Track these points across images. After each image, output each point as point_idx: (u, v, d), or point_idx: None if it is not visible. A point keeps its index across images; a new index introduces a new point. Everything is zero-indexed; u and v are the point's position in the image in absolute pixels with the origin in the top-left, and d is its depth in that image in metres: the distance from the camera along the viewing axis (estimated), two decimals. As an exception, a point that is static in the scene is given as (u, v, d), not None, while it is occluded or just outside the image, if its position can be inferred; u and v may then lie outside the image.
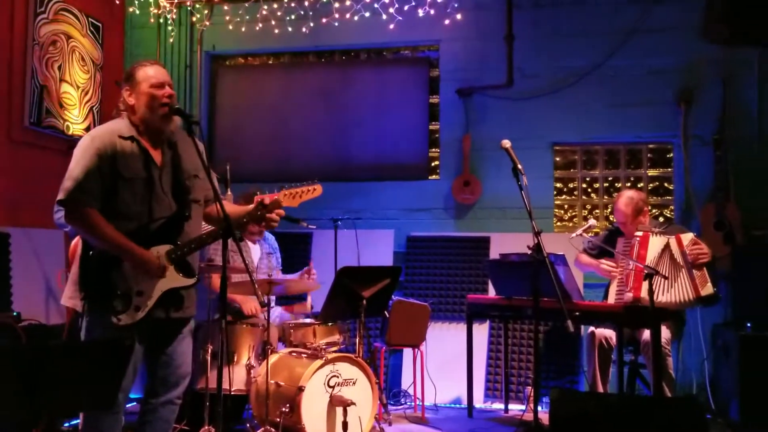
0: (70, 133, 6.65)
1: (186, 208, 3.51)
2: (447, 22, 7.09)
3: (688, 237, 5.20)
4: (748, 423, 5.25)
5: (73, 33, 6.81)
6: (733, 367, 5.44)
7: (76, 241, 4.53)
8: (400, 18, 7.09)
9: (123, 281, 3.32)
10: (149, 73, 3.48)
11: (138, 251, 3.33)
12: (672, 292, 5.11)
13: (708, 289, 5.08)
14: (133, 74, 3.49)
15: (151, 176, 3.43)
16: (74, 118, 6.75)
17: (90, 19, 7.05)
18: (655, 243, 5.20)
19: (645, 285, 4.90)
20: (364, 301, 5.03)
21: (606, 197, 7.12)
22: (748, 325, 5.42)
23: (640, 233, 5.27)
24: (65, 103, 6.66)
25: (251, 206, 3.65)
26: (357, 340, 5.09)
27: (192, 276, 3.53)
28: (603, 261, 5.45)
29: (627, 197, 5.48)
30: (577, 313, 4.98)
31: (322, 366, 4.60)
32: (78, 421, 4.66)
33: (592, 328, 5.38)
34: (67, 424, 4.97)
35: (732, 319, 6.09)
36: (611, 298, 5.36)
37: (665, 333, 5.13)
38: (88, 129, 6.82)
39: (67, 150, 6.55)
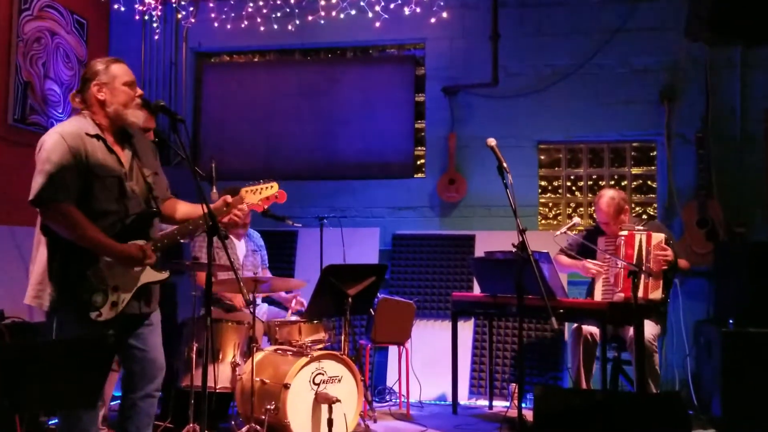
0: (55, 130, 6.61)
1: (154, 204, 3.55)
2: (433, 20, 7.10)
3: (658, 237, 5.22)
4: (730, 419, 5.28)
5: (57, 30, 6.78)
6: (715, 363, 5.48)
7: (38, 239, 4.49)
8: (386, 16, 7.10)
9: (100, 277, 3.33)
10: (122, 71, 3.53)
11: (119, 246, 3.34)
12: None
13: (656, 294, 5.12)
14: (106, 70, 3.50)
15: (120, 174, 3.45)
16: (59, 115, 6.72)
17: (75, 15, 7.02)
18: (638, 241, 5.23)
19: (637, 283, 4.93)
20: (350, 299, 5.03)
21: (590, 195, 7.15)
22: (730, 321, 5.45)
23: (625, 232, 5.29)
24: (50, 99, 6.64)
25: (217, 204, 3.75)
26: (342, 337, 5.10)
27: (164, 270, 3.56)
28: (588, 261, 5.47)
29: (608, 197, 5.52)
30: (562, 311, 5.00)
31: (307, 363, 4.61)
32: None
33: (577, 323, 5.41)
34: (51, 422, 4.95)
35: (714, 315, 6.14)
36: (597, 297, 5.39)
37: (653, 329, 5.17)
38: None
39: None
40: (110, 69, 3.50)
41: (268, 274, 5.88)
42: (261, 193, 3.87)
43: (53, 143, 3.34)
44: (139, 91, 3.55)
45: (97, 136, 3.42)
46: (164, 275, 3.57)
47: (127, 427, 3.57)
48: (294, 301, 5.64)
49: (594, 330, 5.33)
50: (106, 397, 4.77)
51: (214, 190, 5.39)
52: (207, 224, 3.38)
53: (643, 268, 5.04)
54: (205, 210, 3.31)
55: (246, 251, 5.71)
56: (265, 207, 3.94)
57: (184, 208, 3.80)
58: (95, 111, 3.49)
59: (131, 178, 3.49)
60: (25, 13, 6.36)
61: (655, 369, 5.16)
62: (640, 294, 4.98)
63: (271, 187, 3.93)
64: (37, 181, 3.31)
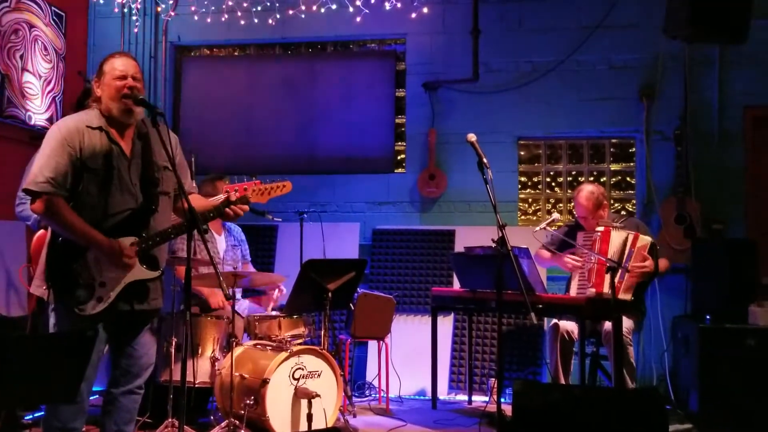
0: (32, 123, 6.55)
1: (153, 201, 3.52)
2: (413, 15, 7.10)
3: (644, 240, 5.27)
4: (707, 414, 5.33)
5: (35, 22, 6.71)
6: (693, 358, 5.53)
7: (40, 235, 4.49)
8: (367, 11, 7.09)
9: (86, 271, 3.33)
10: (115, 65, 3.49)
11: (105, 241, 3.33)
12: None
13: (626, 296, 5.17)
14: (101, 66, 3.52)
15: (118, 167, 3.44)
16: (36, 108, 6.66)
17: (53, 8, 6.95)
18: (616, 237, 5.27)
19: (607, 279, 4.97)
20: (330, 294, 5.03)
21: (569, 191, 7.18)
22: (707, 317, 5.50)
23: (601, 228, 5.33)
24: (27, 92, 6.57)
25: (218, 201, 3.67)
26: (322, 332, 5.10)
27: (156, 269, 3.54)
28: (567, 255, 5.51)
29: (588, 191, 5.57)
30: (541, 306, 5.02)
31: (287, 358, 4.61)
32: (39, 414, 4.62)
33: (555, 321, 5.44)
34: (27, 417, 4.91)
35: (691, 311, 6.17)
36: (573, 293, 5.43)
37: (627, 322, 5.20)
38: (50, 119, 6.74)
39: (29, 140, 6.46)
40: (105, 64, 3.52)
41: (251, 268, 5.86)
42: (270, 194, 3.76)
43: (52, 136, 3.39)
44: (128, 83, 3.44)
45: (100, 128, 3.43)
46: (154, 273, 3.53)
47: (107, 422, 3.57)
48: (276, 291, 5.61)
49: (570, 327, 5.36)
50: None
51: (194, 184, 5.37)
52: (186, 218, 3.36)
53: (622, 265, 5.08)
54: (186, 205, 3.28)
55: (226, 246, 5.69)
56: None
57: (194, 203, 3.74)
58: (99, 105, 3.51)
59: (133, 171, 3.48)
60: (2, 4, 6.29)
61: (630, 362, 5.21)
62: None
63: (283, 186, 3.82)
64: (33, 173, 3.36)
